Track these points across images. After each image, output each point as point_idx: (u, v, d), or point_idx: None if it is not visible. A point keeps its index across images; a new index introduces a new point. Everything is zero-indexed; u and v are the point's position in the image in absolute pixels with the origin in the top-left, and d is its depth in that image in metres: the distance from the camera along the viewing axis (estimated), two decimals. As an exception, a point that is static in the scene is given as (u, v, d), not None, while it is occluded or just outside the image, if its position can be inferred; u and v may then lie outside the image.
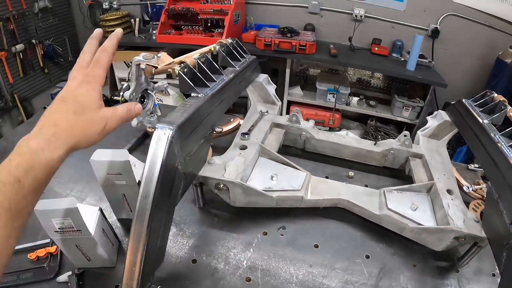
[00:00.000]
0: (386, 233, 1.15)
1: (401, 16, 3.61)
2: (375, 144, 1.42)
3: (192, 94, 0.99)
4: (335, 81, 3.57)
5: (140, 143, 1.51)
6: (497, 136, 1.09)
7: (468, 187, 1.31)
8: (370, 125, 3.67)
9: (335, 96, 3.50)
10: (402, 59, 3.48)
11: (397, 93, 3.42)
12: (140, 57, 1.06)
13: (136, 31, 3.90)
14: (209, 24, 3.60)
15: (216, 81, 1.10)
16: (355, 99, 3.69)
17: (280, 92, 3.59)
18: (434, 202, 1.16)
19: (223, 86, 1.10)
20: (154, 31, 3.70)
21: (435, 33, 3.48)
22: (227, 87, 1.14)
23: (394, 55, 3.57)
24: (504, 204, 0.93)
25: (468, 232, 1.00)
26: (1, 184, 0.47)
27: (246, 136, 1.30)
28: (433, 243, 1.07)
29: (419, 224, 1.07)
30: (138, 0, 4.19)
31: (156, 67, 1.02)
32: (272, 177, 1.16)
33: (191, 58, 1.05)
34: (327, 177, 1.32)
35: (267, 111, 1.51)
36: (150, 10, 4.16)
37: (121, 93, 1.18)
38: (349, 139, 1.46)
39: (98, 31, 0.74)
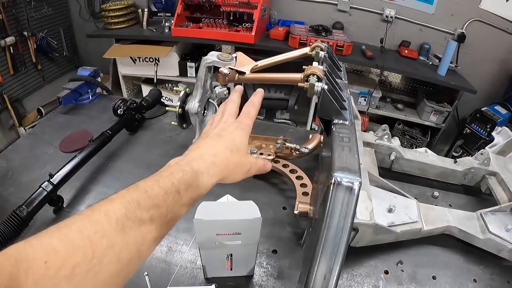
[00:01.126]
0: (479, 253, 1.19)
1: (430, 19, 3.61)
2: (455, 162, 1.45)
3: (335, 121, 0.80)
4: (362, 82, 3.55)
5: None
6: None
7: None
8: (397, 129, 3.67)
9: (366, 99, 3.49)
10: (430, 62, 3.49)
11: (426, 98, 3.43)
12: (214, 57, 0.95)
13: (144, 23, 3.67)
14: (231, 18, 3.43)
15: (346, 101, 0.87)
16: (383, 102, 3.68)
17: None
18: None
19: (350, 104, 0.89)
20: (166, 23, 3.49)
21: (461, 38, 3.49)
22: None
23: (422, 58, 3.58)
24: None
25: None
26: (164, 193, 0.53)
27: None
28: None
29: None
30: (145, -11, 3.83)
31: (243, 73, 0.93)
32: (390, 209, 1.10)
33: (315, 68, 0.85)
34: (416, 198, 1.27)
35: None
36: (162, 0, 3.81)
37: (180, 104, 1.04)
38: (433, 158, 1.47)
39: (240, 88, 0.83)
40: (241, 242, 0.86)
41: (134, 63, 3.68)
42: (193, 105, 0.97)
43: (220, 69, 0.94)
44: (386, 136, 1.41)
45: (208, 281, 1.00)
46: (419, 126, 3.70)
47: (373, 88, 3.51)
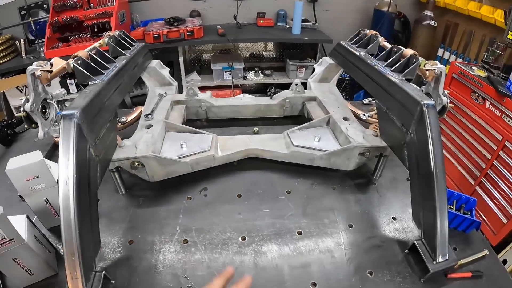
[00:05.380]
0: (301, 169, 1.34)
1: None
2: (271, 98, 1.59)
3: (90, 82, 1.08)
4: (229, 59, 3.77)
5: (51, 155, 1.52)
6: (373, 61, 1.29)
7: (364, 115, 1.53)
8: (270, 93, 3.88)
9: (231, 73, 3.71)
10: (288, 26, 3.78)
11: (289, 58, 3.72)
12: (34, 65, 1.10)
13: (23, 53, 3.69)
14: (95, 30, 3.53)
15: (110, 68, 1.21)
16: (252, 72, 3.95)
17: (178, 81, 3.60)
18: (335, 130, 1.37)
19: (118, 71, 1.22)
20: (41, 49, 3.57)
21: (311, -2, 3.80)
22: (122, 72, 1.25)
23: (280, 24, 3.88)
24: (392, 112, 1.13)
25: (369, 145, 1.21)
26: None
27: (150, 116, 1.41)
28: (343, 164, 1.27)
29: (325, 151, 1.24)
30: (19, 20, 3.93)
31: (50, 72, 1.09)
32: (181, 145, 1.28)
33: (82, 52, 1.15)
34: (233, 136, 1.48)
35: (165, 93, 1.62)
36: (34, 28, 3.92)
37: (21, 108, 1.19)
38: (247, 99, 1.63)
39: (229, 271, 0.72)
40: (45, 185, 1.01)
41: (21, 92, 3.63)
42: (26, 105, 1.08)
43: (34, 73, 1.08)
44: (191, 92, 1.60)
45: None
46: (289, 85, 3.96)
47: (239, 61, 3.77)
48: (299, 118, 1.64)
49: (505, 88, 2.71)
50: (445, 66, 3.40)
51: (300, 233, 1.13)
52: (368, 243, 1.11)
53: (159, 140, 1.28)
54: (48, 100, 1.15)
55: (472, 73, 2.98)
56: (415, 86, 1.11)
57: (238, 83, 3.84)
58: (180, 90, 3.70)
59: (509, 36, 3.03)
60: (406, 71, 1.17)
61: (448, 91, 1.18)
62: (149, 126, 1.34)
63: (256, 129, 1.58)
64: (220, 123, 1.64)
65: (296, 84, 1.60)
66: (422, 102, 0.97)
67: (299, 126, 1.39)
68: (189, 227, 1.13)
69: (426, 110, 0.96)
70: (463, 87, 3.07)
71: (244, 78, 3.85)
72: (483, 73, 2.97)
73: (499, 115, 2.74)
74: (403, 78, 1.15)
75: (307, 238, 1.11)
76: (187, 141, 1.30)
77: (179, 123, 1.44)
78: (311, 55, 3.75)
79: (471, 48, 3.76)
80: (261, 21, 3.80)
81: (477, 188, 3.00)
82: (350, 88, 3.90)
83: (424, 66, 1.13)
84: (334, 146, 1.28)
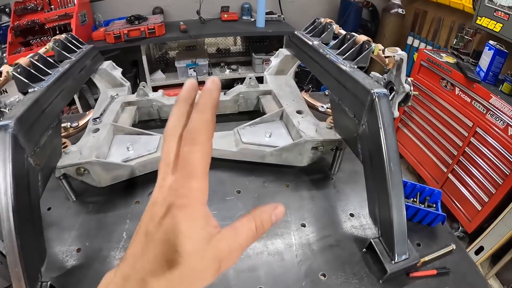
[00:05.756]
0: (254, 167, 1.26)
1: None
2: (224, 94, 1.52)
3: (30, 90, 1.03)
4: (193, 56, 3.69)
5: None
6: (326, 50, 1.23)
7: (323, 106, 1.46)
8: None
9: (195, 70, 3.63)
10: (253, 19, 3.71)
11: (254, 52, 3.67)
12: None
13: None
14: (57, 32, 3.38)
15: (51, 74, 1.15)
16: (217, 68, 3.90)
17: (142, 81, 3.55)
18: (288, 124, 1.29)
19: (60, 76, 1.15)
20: (4, 54, 3.38)
21: (274, -11, 3.73)
22: (65, 77, 1.19)
23: (245, 17, 3.80)
24: (344, 103, 1.07)
25: (322, 139, 1.14)
26: None
27: (98, 120, 1.33)
28: (296, 159, 1.20)
29: (276, 147, 1.17)
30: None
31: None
32: (128, 148, 1.22)
33: (24, 59, 1.11)
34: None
35: (117, 94, 1.53)
36: None
37: None
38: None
39: (190, 86, 0.45)
40: None
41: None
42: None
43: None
44: (142, 92, 1.52)
45: None
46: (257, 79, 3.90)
47: (203, 57, 3.69)
48: (255, 114, 1.56)
49: (475, 74, 2.69)
50: (415, 54, 3.39)
51: (247, 234, 1.06)
52: (322, 243, 1.05)
53: (105, 144, 1.22)
54: (1, 109, 1.09)
55: (441, 59, 2.96)
56: (377, 74, 1.07)
57: (202, 79, 3.71)
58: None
59: (477, 22, 3.02)
60: (358, 58, 1.10)
61: (412, 79, 1.13)
62: (96, 130, 1.26)
63: (210, 128, 1.50)
64: None
65: (250, 78, 1.53)
66: (372, 91, 0.90)
67: (250, 122, 1.32)
68: (135, 233, 1.06)
69: (377, 99, 0.90)
70: (432, 74, 3.05)
71: (209, 74, 3.76)
72: (452, 60, 2.96)
73: (469, 101, 2.72)
74: (355, 66, 1.08)
75: (256, 240, 1.03)
76: (134, 144, 1.23)
77: (128, 125, 1.37)
78: (277, 48, 3.66)
79: (440, 35, 3.76)
80: (225, 15, 3.73)
81: (450, 175, 2.99)
82: (316, 80, 3.82)
83: (383, 53, 1.07)
84: (286, 141, 1.21)
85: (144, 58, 3.53)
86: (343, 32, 1.30)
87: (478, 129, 2.63)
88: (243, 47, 4.21)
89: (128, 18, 3.44)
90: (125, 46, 3.36)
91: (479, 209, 2.71)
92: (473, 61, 2.89)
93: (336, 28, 1.37)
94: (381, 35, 4.17)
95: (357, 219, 1.13)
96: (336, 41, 1.26)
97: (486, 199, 2.64)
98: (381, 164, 0.88)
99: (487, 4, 2.90)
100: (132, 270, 0.38)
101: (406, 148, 3.55)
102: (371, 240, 0.96)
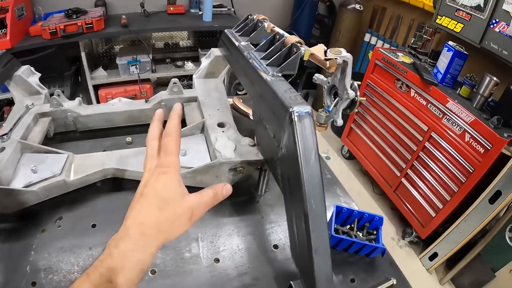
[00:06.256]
0: None
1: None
2: (146, 101, 1.33)
3: None
4: (137, 51, 3.48)
5: None
6: (251, 53, 1.05)
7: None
8: (182, 85, 3.65)
9: (137, 67, 3.42)
10: (200, 12, 3.51)
11: (202, 47, 3.54)
12: None
13: None
14: None
15: None
16: (162, 65, 3.71)
17: (83, 79, 3.43)
18: (207, 140, 1.11)
19: None
20: None
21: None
22: None
23: (193, 10, 3.60)
24: (265, 119, 0.91)
25: (239, 160, 0.98)
26: (93, 287, 0.49)
27: (5, 137, 1.14)
28: (213, 183, 1.02)
29: (190, 167, 1.00)
30: None
31: None
32: (32, 169, 1.05)
33: None
34: (104, 151, 1.21)
35: (32, 104, 1.33)
36: None
37: None
38: (120, 105, 1.36)
39: (159, 112, 0.73)
40: None
41: None
42: None
43: None
44: (56, 102, 1.30)
45: None
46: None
47: (146, 54, 3.48)
48: (182, 122, 1.38)
49: (432, 75, 2.60)
50: (370, 52, 3.29)
51: (153, 272, 0.90)
52: (237, 283, 0.89)
53: (10, 166, 1.04)
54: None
55: (396, 59, 2.86)
56: (321, 76, 0.97)
57: (146, 77, 3.53)
58: (85, 90, 3.47)
59: (437, 21, 2.94)
60: (283, 65, 0.93)
61: (359, 83, 0.99)
62: (2, 149, 1.07)
63: (129, 139, 1.31)
64: (94, 133, 1.38)
65: (174, 83, 1.34)
66: (291, 109, 0.74)
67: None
68: (38, 267, 0.92)
69: (296, 119, 0.73)
70: (387, 75, 2.95)
71: (153, 71, 3.54)
72: (408, 60, 2.86)
73: (424, 104, 2.64)
74: (279, 75, 0.92)
75: (161, 278, 0.89)
76: (40, 164, 1.06)
77: (40, 140, 1.19)
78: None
79: (399, 33, 3.70)
80: (171, 8, 3.49)
81: (403, 180, 2.91)
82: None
83: (325, 55, 0.92)
84: (202, 161, 1.04)
85: (83, 54, 3.27)
86: (277, 30, 1.13)
87: (433, 134, 2.54)
88: (193, 42, 3.99)
89: (67, 12, 3.16)
90: (62, 43, 3.09)
91: (433, 216, 2.64)
92: (431, 61, 2.80)
93: (268, 26, 1.20)
94: (337, 31, 4.05)
95: (282, 252, 0.98)
96: (263, 42, 1.09)
97: (440, 206, 2.57)
98: (300, 199, 0.72)
99: (448, 3, 2.82)
100: (132, 220, 0.57)
101: (359, 149, 3.47)
102: (291, 282, 0.80)
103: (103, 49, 3.85)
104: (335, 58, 0.93)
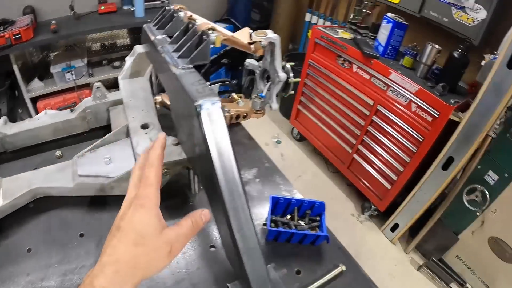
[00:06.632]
0: (102, 200, 1.04)
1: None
2: (71, 111, 1.25)
3: None
4: (72, 57, 3.32)
5: None
6: (164, 46, 0.99)
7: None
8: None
9: (73, 73, 3.27)
10: (133, 8, 3.37)
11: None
12: None
13: None
14: None
15: None
16: (99, 68, 3.59)
17: (19, 93, 3.24)
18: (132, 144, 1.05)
19: None
20: None
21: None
22: None
23: (125, 7, 3.48)
24: (181, 116, 0.86)
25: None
26: None
27: None
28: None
29: (112, 177, 0.95)
30: None
31: None
32: None
33: None
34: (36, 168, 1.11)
35: None
36: None
37: None
38: (45, 118, 1.26)
39: (160, 138, 0.72)
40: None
41: None
42: None
43: None
44: None
45: None
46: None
47: (81, 58, 3.34)
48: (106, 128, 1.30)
49: (373, 49, 2.61)
50: (309, 32, 3.24)
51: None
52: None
53: None
54: None
55: (336, 36, 2.85)
56: (253, 61, 1.00)
57: (84, 82, 3.38)
58: (23, 104, 3.27)
59: (376, -6, 2.95)
60: (192, 55, 0.87)
61: (292, 63, 0.98)
62: None
63: (58, 153, 1.22)
64: (25, 151, 1.26)
65: (98, 88, 1.26)
66: (196, 103, 0.68)
67: (90, 146, 1.06)
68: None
69: (202, 113, 0.68)
70: (328, 52, 2.93)
71: (90, 75, 3.40)
72: (348, 35, 2.86)
73: (368, 78, 2.64)
74: (191, 66, 0.86)
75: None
76: None
77: None
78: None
79: (339, 10, 3.69)
80: (102, 7, 3.34)
81: (355, 156, 2.93)
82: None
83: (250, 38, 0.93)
84: (130, 166, 0.97)
85: (15, 67, 3.07)
86: (194, 18, 1.07)
87: (379, 107, 2.56)
88: (130, 40, 3.86)
89: (-6, 23, 2.95)
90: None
91: (389, 188, 2.67)
92: (372, 35, 2.81)
93: (185, 16, 1.13)
94: (275, 14, 4.03)
95: (220, 251, 0.94)
96: (178, 32, 1.03)
97: (395, 178, 2.60)
98: (218, 198, 0.67)
99: (386, -25, 2.83)
100: (107, 257, 0.54)
101: (309, 130, 3.47)
102: (228, 285, 0.75)
103: (38, 58, 3.64)
104: (259, 41, 0.89)
